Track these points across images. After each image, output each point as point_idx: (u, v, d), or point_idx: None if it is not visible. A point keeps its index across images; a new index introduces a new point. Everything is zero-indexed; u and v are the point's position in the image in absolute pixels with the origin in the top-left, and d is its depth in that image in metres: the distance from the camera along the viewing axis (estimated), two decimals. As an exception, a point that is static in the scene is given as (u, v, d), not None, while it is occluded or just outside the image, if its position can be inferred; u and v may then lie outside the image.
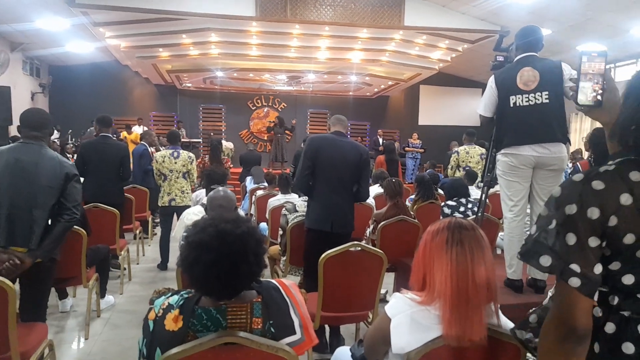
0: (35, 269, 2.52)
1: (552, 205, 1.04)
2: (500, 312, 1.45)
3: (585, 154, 8.75)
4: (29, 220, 2.52)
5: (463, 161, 6.31)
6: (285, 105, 15.41)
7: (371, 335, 1.51)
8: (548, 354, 1.05)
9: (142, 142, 6.89)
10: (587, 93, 1.13)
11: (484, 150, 6.43)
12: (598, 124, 1.24)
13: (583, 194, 0.99)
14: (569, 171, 6.08)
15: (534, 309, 1.30)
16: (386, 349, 1.43)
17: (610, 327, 1.04)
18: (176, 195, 5.12)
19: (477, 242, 1.39)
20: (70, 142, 11.18)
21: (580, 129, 12.09)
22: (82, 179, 4.73)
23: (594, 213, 0.98)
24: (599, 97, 1.13)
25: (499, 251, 4.19)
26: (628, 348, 1.02)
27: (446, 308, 1.33)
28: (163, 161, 5.12)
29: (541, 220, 1.06)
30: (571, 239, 0.98)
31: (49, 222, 2.61)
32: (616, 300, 1.04)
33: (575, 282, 0.97)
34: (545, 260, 1.00)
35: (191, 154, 5.34)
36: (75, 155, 5.34)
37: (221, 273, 1.26)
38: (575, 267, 0.97)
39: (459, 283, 1.34)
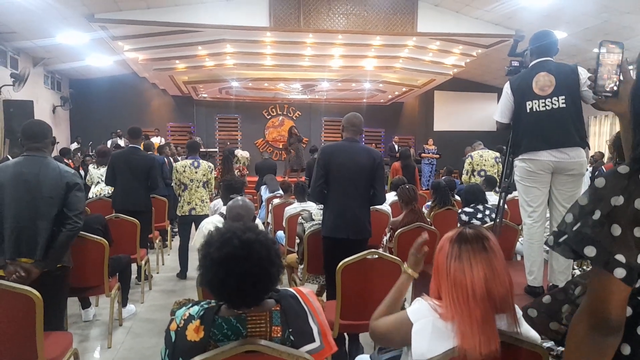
0: (46, 279, 2.55)
1: (595, 196, 1.04)
2: (522, 320, 1.44)
3: (606, 158, 8.61)
4: (33, 231, 2.56)
5: (477, 165, 6.27)
6: (300, 113, 15.51)
7: (389, 330, 1.51)
8: (579, 344, 1.04)
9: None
10: (604, 83, 1.16)
11: (498, 154, 6.37)
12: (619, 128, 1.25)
13: (630, 186, 1.00)
14: (589, 175, 5.98)
15: (548, 291, 1.31)
16: (401, 345, 1.45)
17: (627, 311, 1.05)
18: (196, 205, 5.20)
19: (478, 254, 1.38)
20: (91, 153, 11.41)
21: (599, 132, 11.88)
22: (112, 188, 4.95)
23: None
24: (615, 87, 1.16)
25: (518, 257, 4.14)
26: None
27: (454, 322, 1.34)
28: (184, 171, 5.20)
29: (580, 210, 1.06)
30: (616, 229, 0.98)
31: (55, 231, 2.62)
32: (638, 284, 1.05)
33: (620, 272, 0.97)
34: (590, 251, 1.00)
35: (210, 164, 5.42)
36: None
37: (255, 281, 1.30)
38: (620, 257, 0.97)
39: (459, 298, 1.35)
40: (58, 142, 11.54)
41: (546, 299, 1.29)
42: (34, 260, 2.55)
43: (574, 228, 1.05)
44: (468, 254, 1.39)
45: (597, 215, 1.01)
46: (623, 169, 1.03)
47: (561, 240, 1.08)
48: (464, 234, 1.43)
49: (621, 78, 1.16)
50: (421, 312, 1.41)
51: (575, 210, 1.08)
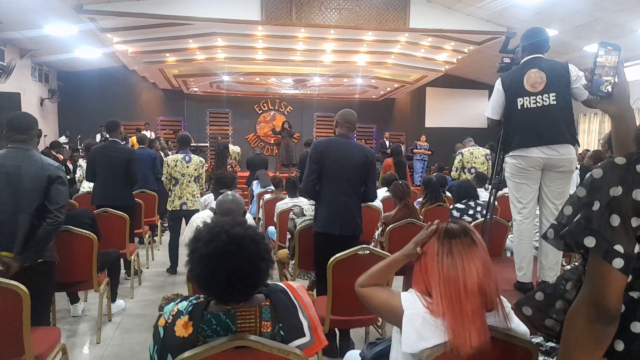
0: (30, 274, 2.50)
1: (593, 187, 1.05)
2: (512, 313, 1.45)
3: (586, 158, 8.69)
4: (13, 224, 2.51)
5: (468, 162, 6.31)
6: (292, 108, 15.47)
7: (380, 307, 1.50)
8: (577, 336, 1.05)
9: (142, 145, 6.84)
10: (599, 84, 1.19)
11: (488, 151, 6.41)
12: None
13: (627, 177, 1.02)
14: (578, 173, 6.04)
15: (539, 287, 1.32)
16: (387, 321, 1.44)
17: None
18: (187, 200, 5.16)
19: (468, 248, 1.39)
20: (79, 147, 11.28)
21: (589, 130, 12.00)
22: (91, 184, 4.86)
23: (638, 194, 1.01)
24: (609, 89, 1.18)
25: (508, 254, 4.17)
26: (636, 327, 1.05)
27: (445, 318, 1.34)
28: (175, 165, 5.15)
29: (578, 201, 1.08)
30: (615, 220, 1.00)
31: (35, 225, 2.57)
32: (629, 279, 1.06)
33: (618, 262, 0.99)
34: (590, 241, 1.02)
35: (202, 159, 5.38)
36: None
37: (245, 276, 1.28)
38: (619, 247, 0.99)
39: (451, 294, 1.35)
40: (46, 136, 11.41)
41: (539, 295, 1.30)
42: (14, 255, 2.50)
43: (575, 219, 1.07)
44: (459, 249, 1.39)
45: (596, 206, 1.03)
46: (620, 160, 1.05)
47: (563, 232, 1.09)
48: (451, 229, 1.43)
49: (616, 80, 1.18)
50: (413, 303, 1.41)
51: (573, 202, 1.09)
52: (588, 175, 1.09)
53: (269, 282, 1.43)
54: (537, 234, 2.96)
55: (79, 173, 6.03)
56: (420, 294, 1.43)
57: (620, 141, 1.23)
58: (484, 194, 4.87)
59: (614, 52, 1.20)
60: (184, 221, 5.17)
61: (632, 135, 1.22)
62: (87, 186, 5.72)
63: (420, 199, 5.40)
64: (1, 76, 8.80)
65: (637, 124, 1.20)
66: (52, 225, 2.59)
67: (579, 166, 6.21)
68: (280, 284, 1.47)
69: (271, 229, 4.97)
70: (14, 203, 2.53)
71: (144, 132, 11.33)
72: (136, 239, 5.38)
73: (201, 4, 8.15)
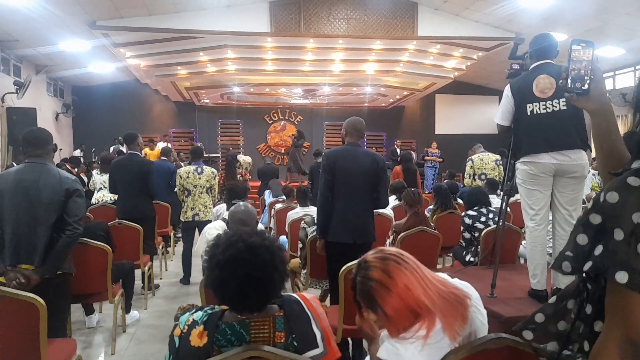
0: (47, 286, 2.54)
1: (610, 214, 0.95)
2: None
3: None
4: (32, 238, 2.57)
5: (478, 168, 6.26)
6: (302, 118, 15.55)
7: None
8: None
9: (164, 157, 6.90)
10: (575, 81, 1.18)
11: (498, 157, 6.37)
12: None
13: None
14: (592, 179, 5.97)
15: (538, 309, 1.29)
16: None
17: None
18: (199, 210, 5.20)
19: (403, 252, 1.47)
20: (94, 159, 11.45)
21: (602, 133, 11.83)
22: (104, 197, 4.94)
23: None
24: (585, 86, 1.17)
25: (521, 261, 4.13)
26: None
27: (440, 309, 1.34)
28: (187, 177, 5.22)
29: (592, 229, 0.99)
30: None
31: (54, 237, 2.62)
32: None
33: None
34: (622, 277, 0.91)
35: (214, 170, 5.43)
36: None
37: (257, 285, 1.30)
38: None
39: (432, 291, 1.37)
40: (61, 149, 11.62)
41: (539, 317, 1.24)
42: (34, 267, 2.55)
43: (597, 253, 0.97)
44: (399, 258, 1.42)
45: (619, 235, 0.93)
46: (634, 181, 0.94)
47: (586, 268, 0.99)
48: (379, 255, 1.45)
49: (592, 77, 1.17)
50: (402, 353, 1.34)
51: (588, 231, 1.00)
52: (600, 198, 0.98)
53: (282, 292, 1.44)
54: (551, 241, 2.93)
55: (90, 184, 6.14)
56: (397, 339, 1.36)
57: (601, 137, 1.19)
58: (495, 201, 4.83)
59: (588, 48, 1.19)
60: (197, 232, 5.21)
61: (612, 131, 1.18)
62: (96, 199, 5.81)
63: (431, 206, 5.37)
64: (18, 92, 9.00)
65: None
66: (71, 237, 2.64)
67: (593, 171, 6.13)
68: (294, 295, 1.49)
69: (282, 238, 4.98)
70: (33, 216, 2.58)
71: (159, 143, 11.51)
72: (150, 250, 5.43)
73: (211, 17, 8.28)
